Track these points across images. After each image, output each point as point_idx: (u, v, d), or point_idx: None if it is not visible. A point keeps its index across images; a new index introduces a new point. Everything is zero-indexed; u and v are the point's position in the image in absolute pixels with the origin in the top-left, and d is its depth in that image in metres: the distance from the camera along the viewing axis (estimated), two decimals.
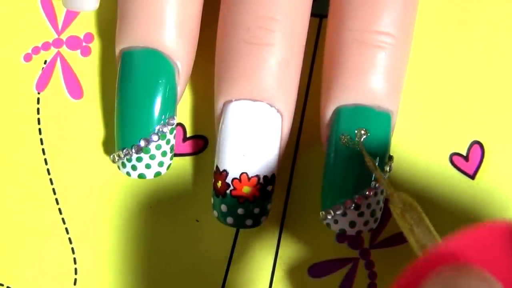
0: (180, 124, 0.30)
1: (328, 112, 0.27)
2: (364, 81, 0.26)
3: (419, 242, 0.23)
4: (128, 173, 0.28)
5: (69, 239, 0.31)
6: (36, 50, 0.31)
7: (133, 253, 0.30)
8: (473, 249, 0.21)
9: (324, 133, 0.28)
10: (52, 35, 0.31)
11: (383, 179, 0.26)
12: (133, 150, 0.28)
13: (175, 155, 0.30)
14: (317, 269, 0.30)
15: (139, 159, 0.28)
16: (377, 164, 0.27)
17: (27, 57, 0.31)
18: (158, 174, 0.29)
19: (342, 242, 0.30)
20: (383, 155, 0.27)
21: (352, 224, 0.27)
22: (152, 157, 0.28)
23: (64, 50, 0.31)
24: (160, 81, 0.27)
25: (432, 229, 0.24)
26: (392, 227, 0.30)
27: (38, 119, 0.31)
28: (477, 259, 0.21)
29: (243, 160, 0.27)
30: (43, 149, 0.31)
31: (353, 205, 0.27)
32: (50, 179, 0.31)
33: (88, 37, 0.31)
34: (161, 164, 0.28)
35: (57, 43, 0.31)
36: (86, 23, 0.31)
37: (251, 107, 0.27)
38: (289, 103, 0.27)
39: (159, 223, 0.30)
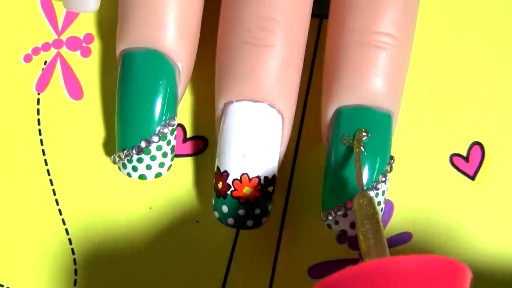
0: (180, 125, 0.30)
1: (329, 113, 0.27)
2: (365, 81, 0.26)
3: (366, 244, 0.24)
4: (128, 174, 0.28)
5: (69, 240, 0.31)
6: (36, 50, 0.31)
7: (133, 254, 0.30)
8: (399, 275, 0.21)
9: (324, 133, 0.28)
10: (52, 36, 0.31)
11: (360, 172, 0.26)
12: (134, 151, 0.28)
13: (176, 156, 0.30)
14: (317, 270, 0.30)
15: (139, 160, 0.28)
16: (377, 165, 0.27)
17: (27, 58, 0.31)
18: (158, 175, 0.29)
19: (343, 243, 0.30)
20: (384, 155, 0.27)
21: (353, 225, 0.27)
22: (153, 158, 0.28)
23: (64, 50, 0.31)
24: (161, 82, 0.27)
25: (383, 237, 0.24)
26: (392, 229, 0.30)
27: (38, 120, 0.31)
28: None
29: (244, 161, 0.27)
30: (43, 150, 0.31)
31: None
32: (50, 180, 0.31)
33: (88, 37, 0.31)
34: (161, 165, 0.28)
35: (57, 43, 0.31)
36: (86, 24, 0.31)
37: (251, 108, 0.27)
38: (290, 104, 0.27)
39: (159, 224, 0.30)
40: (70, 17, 0.31)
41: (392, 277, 0.21)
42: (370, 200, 0.25)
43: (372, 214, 0.25)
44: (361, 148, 0.26)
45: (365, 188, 0.26)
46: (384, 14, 0.26)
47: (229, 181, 0.27)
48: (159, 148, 0.28)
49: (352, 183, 0.27)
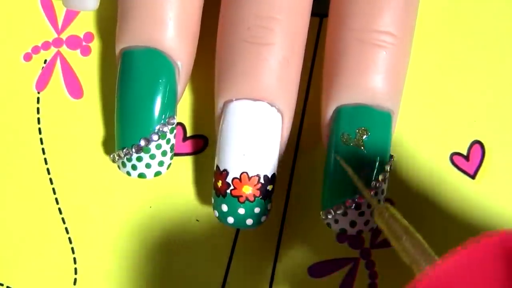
0: (180, 124, 0.30)
1: (329, 112, 0.27)
2: (365, 80, 0.26)
3: (408, 254, 0.23)
4: (128, 173, 0.28)
5: (69, 238, 0.31)
6: (36, 49, 0.31)
7: (133, 252, 0.30)
8: (466, 268, 0.21)
9: (324, 132, 0.28)
10: (52, 35, 0.31)
11: (366, 192, 0.26)
12: (133, 150, 0.28)
13: (175, 154, 0.30)
14: (318, 269, 0.30)
15: (139, 159, 0.28)
16: (377, 163, 0.27)
17: (27, 57, 0.31)
18: (158, 173, 0.29)
19: (343, 242, 0.30)
20: (383, 154, 0.27)
21: (353, 223, 0.27)
22: (152, 156, 0.28)
23: (64, 49, 0.31)
24: (161, 81, 0.27)
25: (421, 240, 0.23)
26: None
27: (38, 119, 0.31)
28: (470, 278, 0.21)
29: (243, 160, 0.27)
30: (43, 149, 0.31)
31: (354, 204, 0.27)
32: (50, 179, 0.31)
33: (88, 36, 0.31)
34: (161, 163, 0.28)
35: (57, 42, 0.31)
36: (86, 23, 0.31)
37: (251, 107, 0.27)
38: (290, 102, 0.27)
39: (159, 223, 0.30)
40: (70, 16, 0.31)
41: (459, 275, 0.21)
42: (389, 208, 0.24)
43: (401, 223, 0.23)
44: (362, 148, 0.26)
45: (366, 189, 0.27)
46: (384, 12, 0.26)
47: (229, 179, 0.27)
48: (158, 146, 0.28)
49: (352, 182, 0.27)
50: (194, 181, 0.30)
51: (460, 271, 0.21)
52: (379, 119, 0.27)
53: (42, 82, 0.31)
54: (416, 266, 0.22)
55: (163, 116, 0.28)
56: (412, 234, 0.23)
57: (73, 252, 0.31)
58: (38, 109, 0.31)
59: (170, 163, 0.29)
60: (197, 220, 0.30)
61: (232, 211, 0.27)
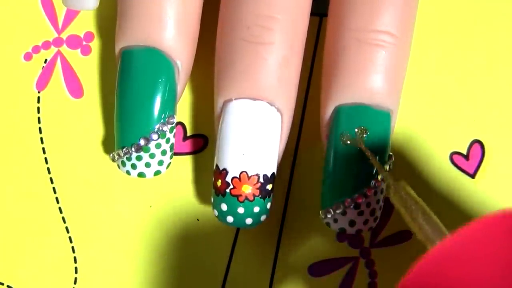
0: (180, 123, 0.30)
1: (328, 111, 0.27)
2: (364, 80, 0.26)
3: (424, 232, 0.23)
4: (128, 172, 0.28)
5: (69, 238, 0.31)
6: (36, 49, 0.31)
7: (133, 252, 0.30)
8: (474, 242, 0.21)
9: (324, 132, 0.28)
10: (52, 34, 0.31)
11: (383, 170, 0.26)
12: (133, 149, 0.28)
13: (175, 154, 0.30)
14: (317, 268, 0.30)
15: (138, 158, 0.28)
16: None
17: (28, 56, 0.31)
18: (158, 173, 0.29)
19: (342, 241, 0.30)
20: (382, 154, 0.27)
21: (352, 223, 0.27)
22: (152, 156, 0.28)
23: (64, 49, 0.31)
24: (160, 80, 0.27)
25: (435, 219, 0.24)
26: (392, 226, 0.30)
27: (38, 118, 0.31)
28: (479, 252, 0.21)
29: (243, 159, 0.27)
30: (43, 148, 0.31)
31: (353, 204, 0.27)
32: (50, 178, 0.31)
33: (88, 36, 0.31)
34: (161, 163, 0.28)
35: (58, 42, 0.31)
36: (86, 22, 0.31)
37: (251, 106, 0.27)
38: (289, 101, 0.27)
39: (159, 222, 0.30)
40: (70, 15, 0.31)
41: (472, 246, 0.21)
42: (405, 187, 0.24)
43: (417, 202, 0.24)
44: (362, 145, 0.26)
45: (364, 187, 0.26)
46: (383, 12, 0.26)
47: (228, 179, 0.27)
48: (158, 146, 0.28)
49: (351, 181, 0.27)
50: (194, 180, 0.30)
51: (469, 245, 0.21)
52: (378, 118, 0.27)
53: (42, 82, 0.31)
54: (431, 244, 0.23)
55: (163, 115, 0.28)
56: (427, 212, 0.24)
57: (73, 252, 0.31)
58: (38, 108, 0.31)
59: (170, 163, 0.29)
60: (197, 219, 0.30)
61: (232, 210, 0.27)
